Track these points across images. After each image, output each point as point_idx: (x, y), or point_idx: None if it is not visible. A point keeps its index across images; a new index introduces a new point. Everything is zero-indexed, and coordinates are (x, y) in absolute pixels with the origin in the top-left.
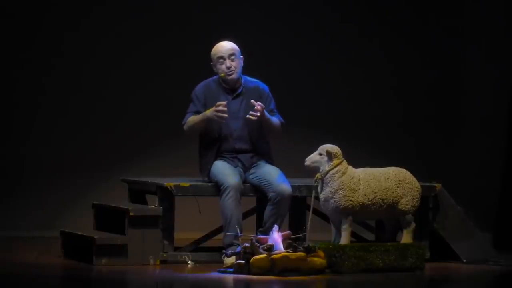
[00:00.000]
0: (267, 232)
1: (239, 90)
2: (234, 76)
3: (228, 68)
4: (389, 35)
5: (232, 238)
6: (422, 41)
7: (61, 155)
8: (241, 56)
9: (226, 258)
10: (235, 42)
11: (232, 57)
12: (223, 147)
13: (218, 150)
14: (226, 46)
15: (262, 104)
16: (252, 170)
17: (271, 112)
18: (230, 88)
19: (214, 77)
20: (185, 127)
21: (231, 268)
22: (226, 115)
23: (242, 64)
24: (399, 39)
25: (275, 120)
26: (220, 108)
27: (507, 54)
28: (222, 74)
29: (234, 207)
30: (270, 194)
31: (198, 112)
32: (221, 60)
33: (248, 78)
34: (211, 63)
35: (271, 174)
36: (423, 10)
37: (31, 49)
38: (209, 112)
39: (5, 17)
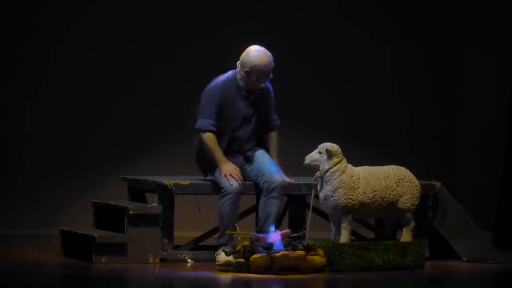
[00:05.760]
0: (261, 231)
1: (257, 97)
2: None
3: (259, 89)
4: (388, 35)
5: (226, 239)
6: (423, 42)
7: (60, 153)
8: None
9: (218, 256)
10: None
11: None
12: (230, 148)
13: (225, 150)
14: (270, 73)
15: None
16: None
17: (270, 109)
18: (248, 93)
19: (230, 76)
20: (205, 139)
21: (226, 265)
22: (233, 181)
23: None
24: (400, 40)
25: (276, 144)
26: (236, 176)
27: (508, 53)
28: (250, 85)
29: (231, 213)
30: (262, 184)
31: (216, 116)
32: (259, 79)
33: None
34: (241, 64)
35: (265, 165)
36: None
37: (30, 45)
38: (224, 166)
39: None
